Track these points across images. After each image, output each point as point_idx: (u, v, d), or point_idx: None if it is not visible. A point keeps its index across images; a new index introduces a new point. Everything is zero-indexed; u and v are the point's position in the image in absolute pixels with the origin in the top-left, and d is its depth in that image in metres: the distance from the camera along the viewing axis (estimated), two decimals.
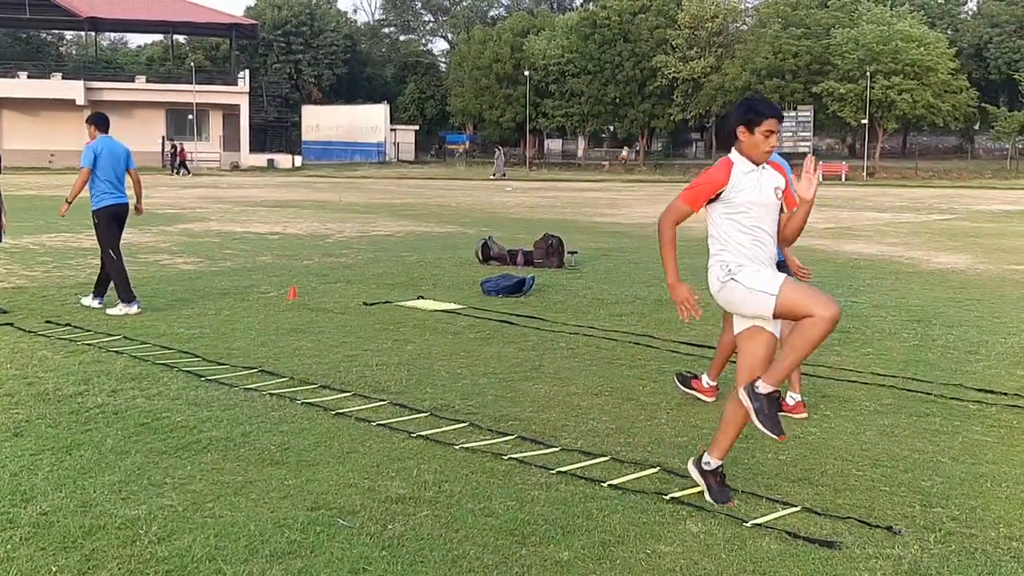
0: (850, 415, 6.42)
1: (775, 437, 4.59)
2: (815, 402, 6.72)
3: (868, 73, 58.00)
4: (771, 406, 4.61)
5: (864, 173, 59.19)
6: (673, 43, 67.21)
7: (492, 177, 54.73)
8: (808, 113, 60.53)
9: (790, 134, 60.93)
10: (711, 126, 71.68)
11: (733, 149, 4.89)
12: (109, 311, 9.92)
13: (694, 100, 66.79)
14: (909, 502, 4.81)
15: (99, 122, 10.31)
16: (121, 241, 10.35)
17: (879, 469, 5.31)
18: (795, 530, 4.40)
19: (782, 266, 6.94)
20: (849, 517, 4.57)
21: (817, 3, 68.80)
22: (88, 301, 10.25)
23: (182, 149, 56.03)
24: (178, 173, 53.59)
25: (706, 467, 4.83)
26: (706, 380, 6.85)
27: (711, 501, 4.74)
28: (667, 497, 4.79)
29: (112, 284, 10.06)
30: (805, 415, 6.39)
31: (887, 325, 9.81)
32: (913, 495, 4.91)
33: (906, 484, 5.07)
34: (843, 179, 55.78)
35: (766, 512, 4.63)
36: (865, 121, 60.10)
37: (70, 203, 10.20)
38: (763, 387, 4.61)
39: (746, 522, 4.49)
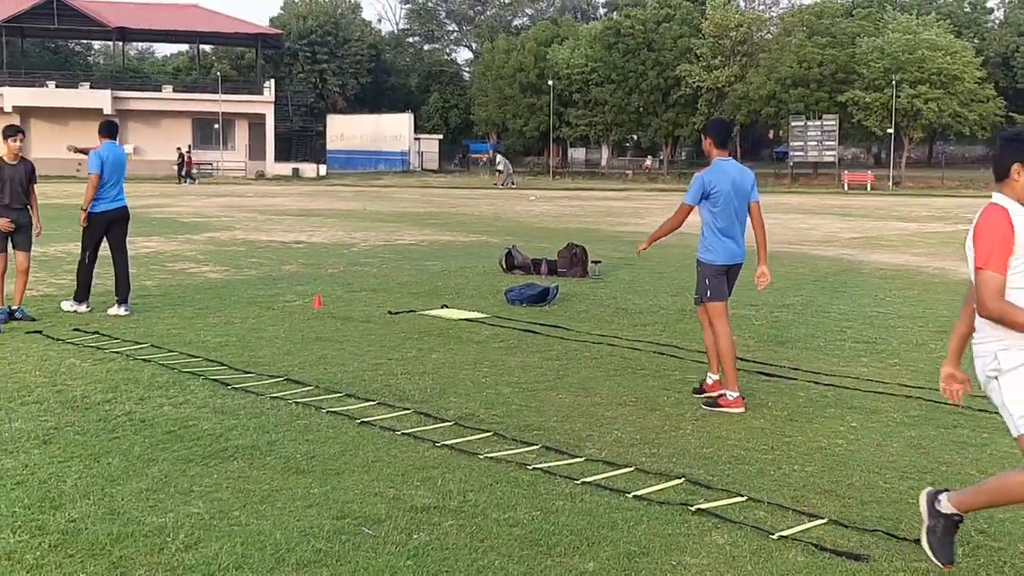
0: (877, 426, 6.38)
1: (939, 564, 4.10)
2: (841, 413, 6.69)
3: (894, 82, 57.70)
4: (947, 530, 4.11)
5: (890, 183, 58.82)
6: (697, 52, 67.10)
7: (500, 186, 54.72)
8: (833, 122, 60.27)
9: (815, 143, 60.74)
10: (735, 135, 71.41)
11: (1000, 192, 3.96)
12: (63, 304, 10.60)
13: (718, 109, 66.55)
14: None
15: (107, 130, 10.62)
16: (131, 248, 10.47)
17: (907, 481, 5.27)
18: (822, 542, 4.38)
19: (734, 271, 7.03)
20: (876, 530, 4.54)
21: (842, 12, 68.58)
22: (114, 310, 10.36)
23: (189, 158, 56.22)
24: (184, 181, 53.79)
25: (938, 506, 4.19)
26: (710, 377, 7.14)
27: (927, 550, 4.16)
28: (692, 508, 4.77)
29: (113, 285, 10.31)
30: (742, 409, 6.65)
31: (914, 336, 9.75)
32: None
33: None
34: (868, 189, 55.49)
35: (792, 524, 4.61)
36: (891, 130, 59.74)
37: (86, 211, 10.34)
38: (946, 506, 4.13)
39: (772, 534, 4.47)
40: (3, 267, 9.90)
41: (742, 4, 78.14)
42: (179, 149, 57.73)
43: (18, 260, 9.98)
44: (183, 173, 54.96)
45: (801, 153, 61.58)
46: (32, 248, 10.27)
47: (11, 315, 9.84)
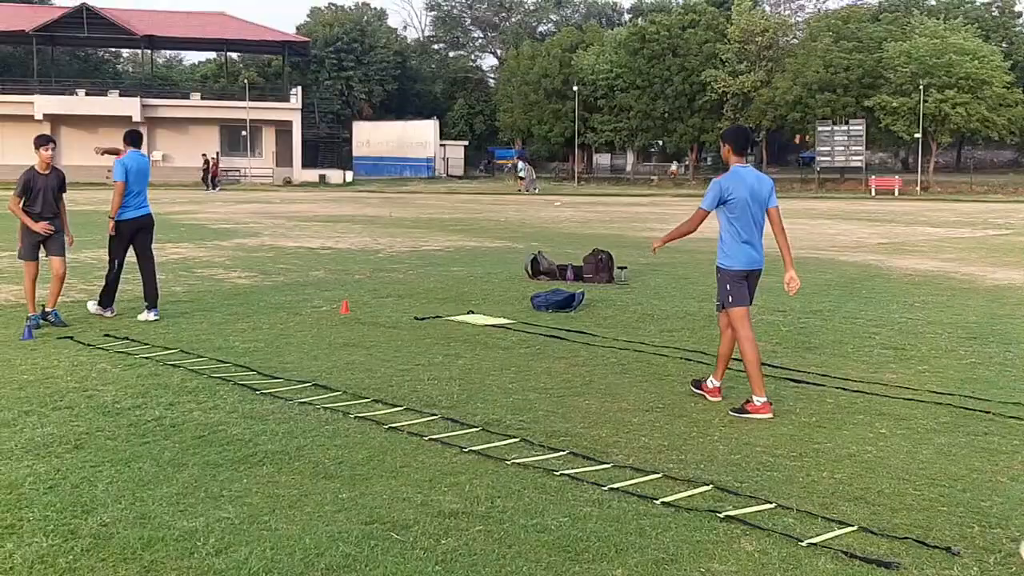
0: (906, 433, 6.34)
1: None
2: (870, 420, 6.65)
3: (921, 87, 57.30)
4: None
5: (918, 187, 58.41)
6: (723, 57, 66.91)
7: (525, 191, 54.84)
8: (860, 127, 59.94)
9: (842, 148, 60.42)
10: (761, 140, 71.11)
11: None
12: (89, 304, 10.78)
13: (744, 114, 66.32)
14: (968, 522, 4.74)
15: (131, 139, 10.78)
16: (161, 254, 10.55)
17: (937, 488, 5.24)
18: (851, 550, 4.35)
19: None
20: (907, 537, 4.51)
21: (869, 16, 68.21)
22: (144, 316, 10.47)
23: (215, 163, 56.48)
24: (211, 188, 54.02)
25: None
26: (711, 382, 7.25)
27: None
28: (721, 515, 4.76)
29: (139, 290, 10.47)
30: (770, 415, 6.69)
31: (943, 342, 9.68)
32: (972, 515, 4.83)
33: (964, 504, 4.99)
34: (896, 194, 55.12)
35: (822, 531, 4.58)
36: (918, 135, 59.33)
37: (114, 219, 10.46)
38: None
39: (801, 541, 4.44)
40: (35, 274, 10.03)
41: (768, 9, 77.88)
42: (204, 155, 58.03)
43: (53, 265, 10.10)
44: (210, 179, 55.21)
45: (828, 158, 61.27)
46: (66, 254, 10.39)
47: (44, 316, 9.99)
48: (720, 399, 7.17)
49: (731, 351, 7.23)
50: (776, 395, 7.19)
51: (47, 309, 10.06)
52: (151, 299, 10.57)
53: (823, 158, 61.50)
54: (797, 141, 73.70)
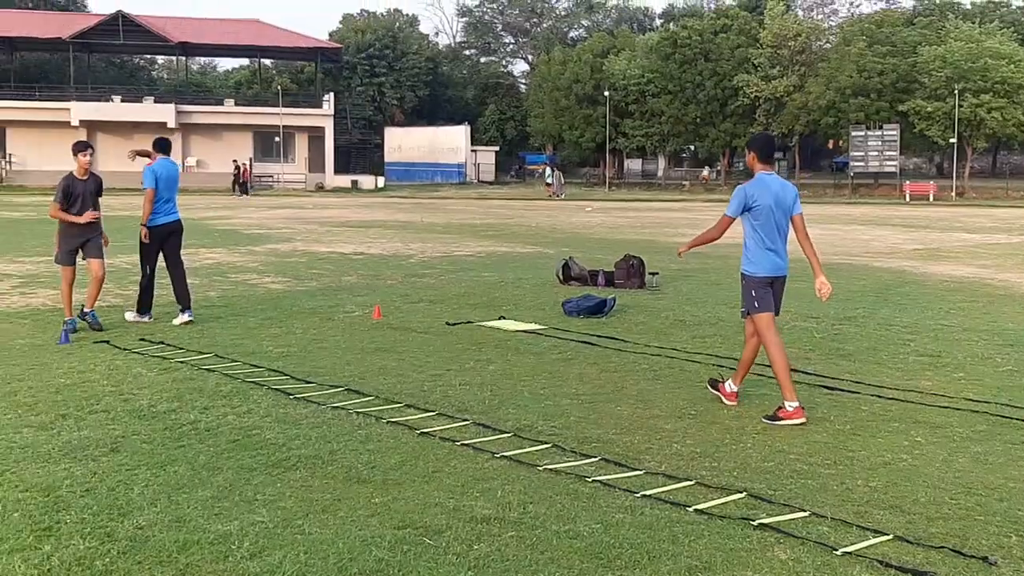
0: (942, 441, 6.28)
1: None
2: (906, 427, 6.59)
3: (956, 91, 56.79)
4: None
5: (953, 193, 57.87)
6: (755, 62, 66.63)
7: (556, 196, 54.96)
8: (894, 132, 59.49)
9: (876, 153, 59.97)
10: (794, 145, 70.73)
11: None
12: (126, 315, 10.81)
13: (777, 119, 66.04)
14: (1005, 532, 4.68)
15: (160, 146, 10.93)
16: (194, 259, 10.63)
17: (973, 497, 5.18)
18: (887, 559, 4.32)
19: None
20: (943, 546, 4.47)
21: (903, 21, 67.66)
22: (179, 319, 10.59)
23: (246, 169, 56.77)
24: (239, 193, 54.26)
25: None
26: (729, 385, 7.24)
27: None
28: (755, 523, 4.73)
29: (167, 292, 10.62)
30: (803, 420, 6.64)
31: (980, 349, 9.57)
32: (1009, 524, 4.78)
33: (1001, 513, 4.94)
34: (931, 199, 54.63)
35: (857, 540, 4.55)
36: (953, 140, 58.79)
37: (146, 225, 10.58)
38: None
39: (836, 550, 4.41)
40: (72, 279, 10.15)
41: (801, 14, 77.45)
42: (235, 161, 58.40)
43: (92, 268, 10.22)
44: (239, 184, 55.49)
45: (862, 163, 60.85)
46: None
47: (82, 315, 10.13)
48: (735, 404, 7.16)
49: (754, 358, 7.26)
50: (810, 402, 7.15)
51: (85, 310, 10.20)
52: (184, 301, 10.70)
53: (857, 163, 61.08)
54: (830, 146, 73.26)
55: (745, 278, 7.09)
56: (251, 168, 61.78)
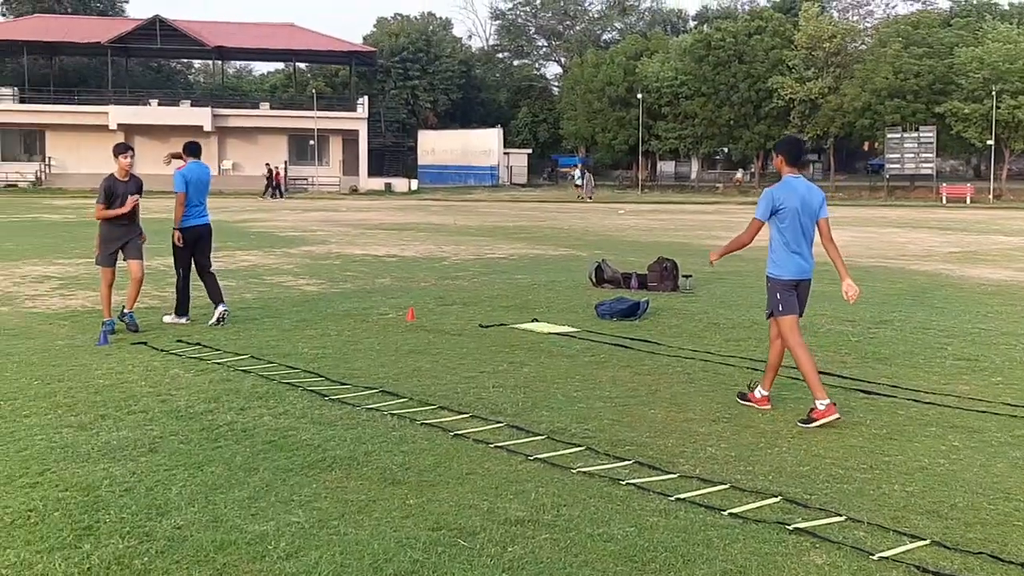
0: (980, 446, 6.22)
1: None
2: (943, 432, 6.54)
3: (994, 92, 56.13)
4: None
5: (990, 195, 57.19)
6: (790, 64, 66.16)
7: (589, 198, 54.96)
8: (931, 134, 58.89)
9: (912, 156, 59.39)
10: (829, 148, 70.17)
11: None
12: (165, 318, 10.89)
13: (811, 121, 65.53)
14: None
15: (190, 150, 11.08)
16: (230, 261, 10.73)
17: (1011, 502, 5.13)
18: (924, 564, 4.29)
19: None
20: (981, 552, 4.43)
21: (939, 22, 66.96)
22: (217, 313, 10.74)
23: (278, 172, 57.04)
24: (274, 196, 54.49)
25: None
26: (759, 391, 7.24)
27: None
28: (790, 527, 4.71)
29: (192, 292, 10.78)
30: (837, 415, 6.66)
31: (1018, 353, 9.47)
32: None
33: None
34: (968, 202, 54.02)
35: (893, 545, 4.52)
36: (991, 142, 58.09)
37: (178, 228, 10.70)
38: None
39: (873, 555, 4.38)
40: (111, 281, 10.27)
41: (836, 15, 76.87)
42: (267, 164, 58.71)
43: (132, 269, 10.34)
44: (272, 187, 55.71)
45: (897, 166, 60.29)
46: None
47: (121, 316, 10.28)
48: (769, 407, 7.14)
49: (780, 360, 7.28)
50: (846, 406, 7.11)
51: (125, 311, 10.32)
52: (216, 298, 10.85)
53: (892, 165, 60.54)
54: (866, 148, 72.62)
55: (770, 280, 7.14)
56: (286, 171, 62.16)
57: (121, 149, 10.25)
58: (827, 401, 6.70)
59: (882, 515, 4.92)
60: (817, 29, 65.27)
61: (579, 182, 60.78)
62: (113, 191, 10.13)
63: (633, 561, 4.31)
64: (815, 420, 6.66)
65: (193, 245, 10.89)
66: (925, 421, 6.85)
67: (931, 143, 59.08)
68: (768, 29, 68.71)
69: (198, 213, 10.88)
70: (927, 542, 4.56)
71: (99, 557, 4.29)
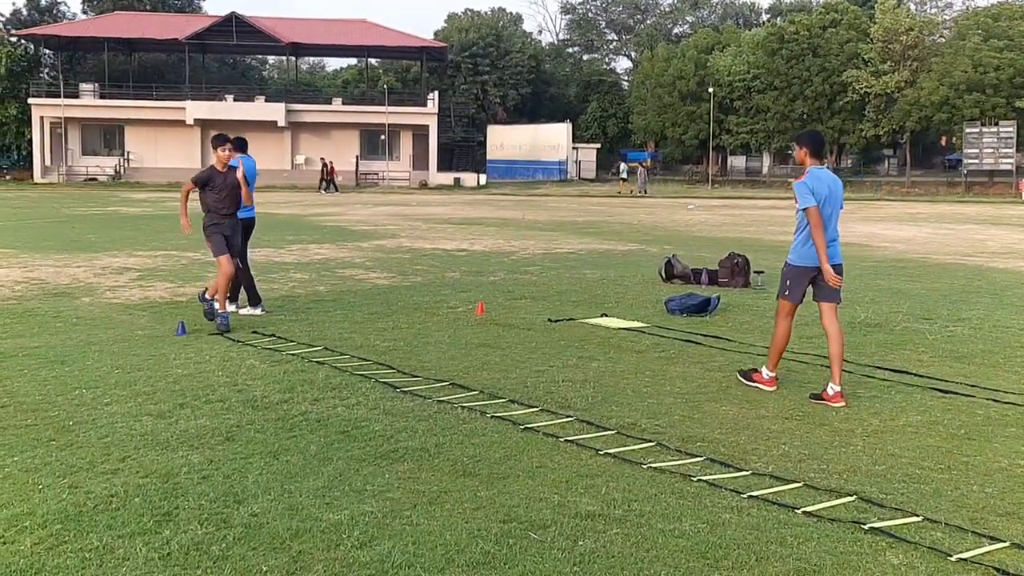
0: None
1: None
2: (1020, 434, 6.39)
3: None
4: None
5: None
6: (865, 57, 65.00)
7: (643, 192, 54.69)
8: (1011, 129, 57.37)
9: (991, 151, 58.01)
10: (905, 142, 68.82)
11: None
12: (240, 311, 10.96)
13: (887, 115, 64.34)
14: None
15: (239, 146, 11.11)
16: (303, 254, 10.88)
17: None
18: (1004, 567, 4.20)
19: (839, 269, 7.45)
20: None
21: (1020, 14, 65.20)
22: (247, 310, 11.01)
23: (332, 167, 57.51)
24: (327, 191, 54.93)
25: None
26: (766, 372, 7.64)
27: None
28: (865, 527, 4.65)
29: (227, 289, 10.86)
30: (842, 404, 7.03)
31: None
32: None
33: None
34: None
35: (972, 547, 4.44)
36: None
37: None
38: None
39: (950, 556, 4.31)
40: (229, 272, 10.21)
41: (913, 7, 75.31)
42: (322, 159, 59.18)
43: (222, 262, 10.46)
44: (327, 182, 56.12)
45: (976, 161, 58.89)
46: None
47: (201, 298, 10.36)
48: (843, 403, 7.11)
49: (840, 350, 7.37)
50: (923, 405, 7.00)
51: (206, 296, 10.32)
52: (252, 296, 11.08)
53: (971, 160, 59.16)
54: (943, 143, 71.08)
55: (787, 266, 7.57)
56: (357, 165, 62.72)
57: (219, 142, 10.41)
58: (772, 374, 7.53)
59: (960, 516, 4.84)
60: (894, 22, 63.99)
61: (624, 176, 60.24)
62: (212, 180, 10.29)
63: (705, 557, 4.29)
64: (753, 382, 7.54)
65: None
66: (1004, 421, 6.71)
67: (1011, 138, 57.57)
68: (843, 22, 67.59)
69: (243, 207, 10.99)
70: (1007, 544, 4.47)
71: (178, 543, 4.39)
